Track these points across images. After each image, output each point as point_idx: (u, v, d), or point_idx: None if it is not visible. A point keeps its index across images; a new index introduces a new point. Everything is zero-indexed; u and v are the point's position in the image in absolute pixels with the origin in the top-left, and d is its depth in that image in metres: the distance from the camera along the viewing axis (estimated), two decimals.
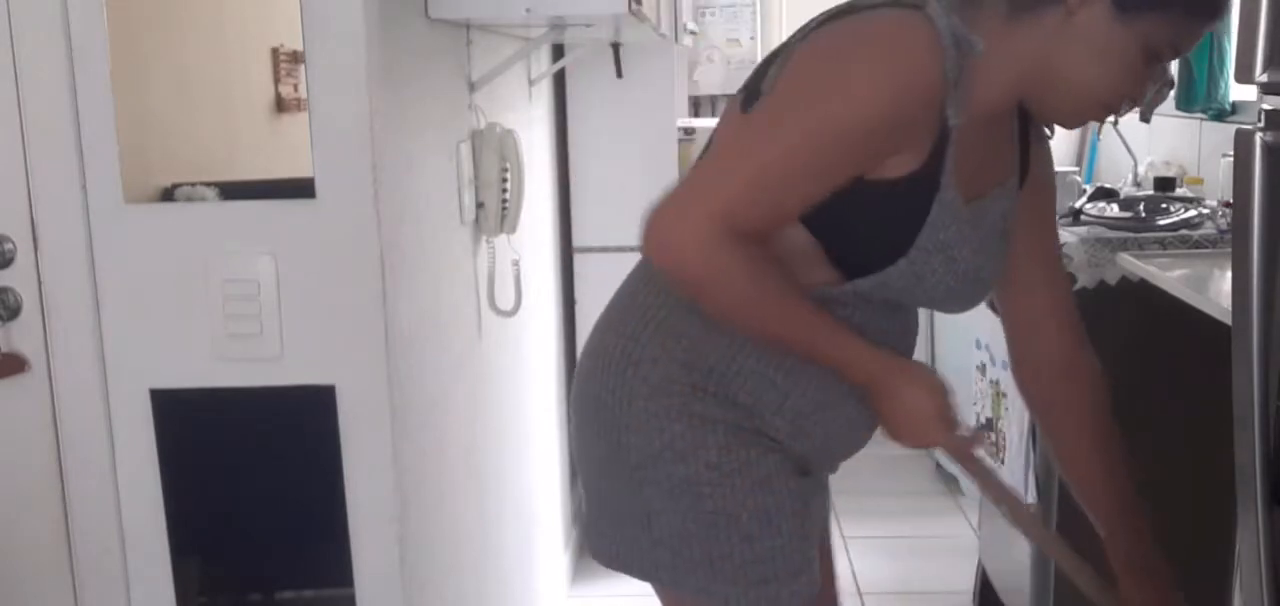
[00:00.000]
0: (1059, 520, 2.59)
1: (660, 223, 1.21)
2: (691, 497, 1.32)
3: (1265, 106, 1.45)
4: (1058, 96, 1.32)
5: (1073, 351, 1.55)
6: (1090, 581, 1.55)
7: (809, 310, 1.27)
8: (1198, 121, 2.97)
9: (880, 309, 1.34)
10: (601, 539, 1.43)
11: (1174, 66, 2.67)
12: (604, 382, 1.36)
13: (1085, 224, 2.54)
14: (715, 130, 1.34)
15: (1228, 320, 1.57)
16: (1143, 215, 2.62)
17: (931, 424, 1.31)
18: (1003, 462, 2.74)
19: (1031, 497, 2.65)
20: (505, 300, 2.37)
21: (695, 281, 1.23)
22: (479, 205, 2.18)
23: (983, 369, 2.84)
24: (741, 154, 1.23)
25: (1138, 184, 3.11)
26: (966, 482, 3.64)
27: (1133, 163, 3.20)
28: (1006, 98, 1.33)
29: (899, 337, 1.39)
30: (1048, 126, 1.46)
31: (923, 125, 1.22)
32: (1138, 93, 1.32)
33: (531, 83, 2.81)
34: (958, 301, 1.38)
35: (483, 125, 2.21)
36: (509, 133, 2.23)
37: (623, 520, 1.38)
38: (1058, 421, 1.59)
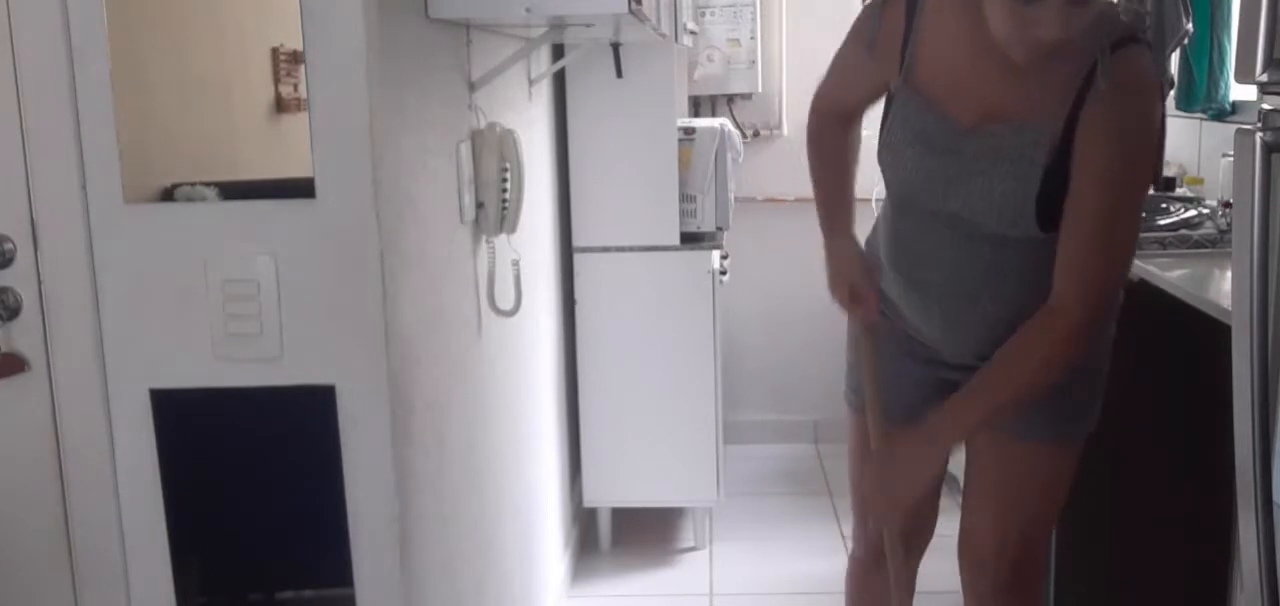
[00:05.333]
0: (1060, 521, 2.59)
1: None
2: None
3: (1265, 106, 1.45)
4: (988, 20, 1.60)
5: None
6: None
7: (827, 188, 2.00)
8: (1198, 121, 2.97)
9: (906, 204, 1.85)
10: None
11: (1174, 67, 2.68)
12: None
13: None
14: None
15: (1228, 320, 1.57)
16: (1143, 215, 2.62)
17: (837, 287, 1.97)
18: None
19: None
20: (505, 300, 2.37)
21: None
22: (479, 205, 2.18)
23: None
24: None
25: None
26: None
27: None
28: (963, 16, 1.66)
29: (914, 219, 1.84)
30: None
31: (883, 56, 1.80)
32: (1015, 30, 1.54)
33: (531, 83, 2.81)
34: (938, 189, 1.76)
35: (483, 125, 2.21)
36: (509, 132, 2.23)
37: None
38: None
